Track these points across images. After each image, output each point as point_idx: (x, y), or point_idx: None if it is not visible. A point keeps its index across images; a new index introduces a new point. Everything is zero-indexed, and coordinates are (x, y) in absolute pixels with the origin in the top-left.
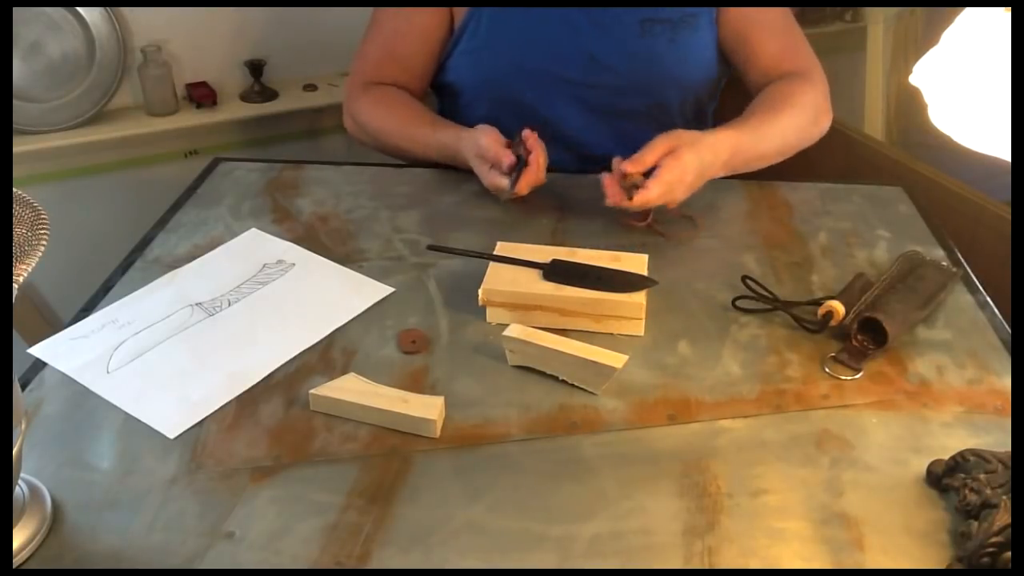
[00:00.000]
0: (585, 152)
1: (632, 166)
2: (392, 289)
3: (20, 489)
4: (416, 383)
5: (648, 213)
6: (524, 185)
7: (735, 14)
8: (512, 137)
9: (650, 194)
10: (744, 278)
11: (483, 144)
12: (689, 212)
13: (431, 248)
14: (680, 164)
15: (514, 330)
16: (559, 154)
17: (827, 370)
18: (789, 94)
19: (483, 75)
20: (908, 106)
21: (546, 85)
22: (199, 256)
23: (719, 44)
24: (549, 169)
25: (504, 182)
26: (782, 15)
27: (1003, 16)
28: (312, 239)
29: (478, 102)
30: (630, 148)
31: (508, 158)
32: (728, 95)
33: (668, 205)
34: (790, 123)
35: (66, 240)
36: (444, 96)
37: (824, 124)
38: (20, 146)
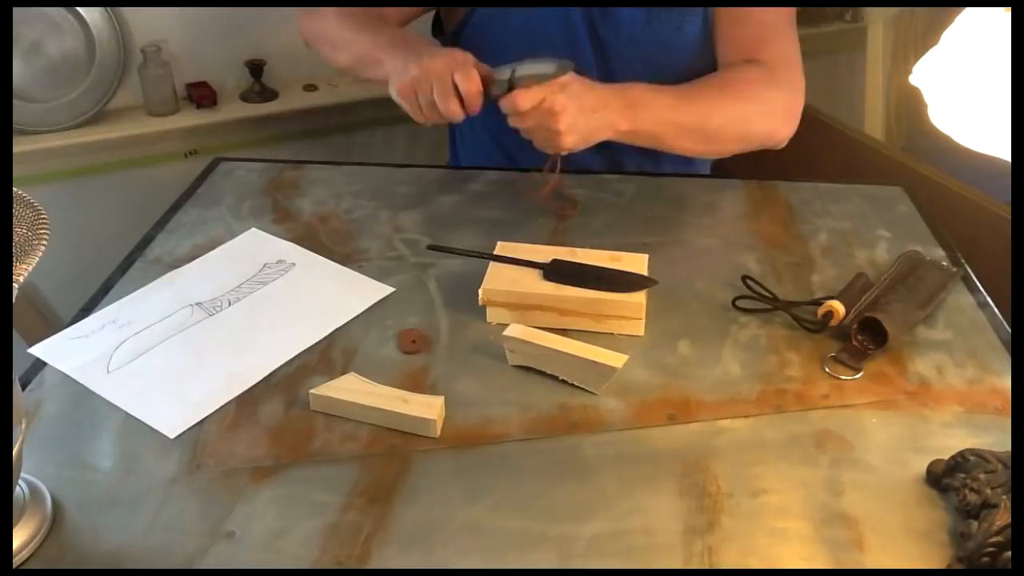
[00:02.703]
0: None
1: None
2: (392, 289)
3: (20, 489)
4: (416, 383)
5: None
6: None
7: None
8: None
9: (518, 97)
10: (744, 278)
11: (471, 60)
12: (570, 193)
13: (431, 248)
14: (558, 82)
15: (514, 330)
16: None
17: (827, 370)
18: (734, 78)
19: (492, 47)
20: (908, 106)
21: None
22: (199, 256)
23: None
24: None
25: (458, 111)
26: (776, 15)
27: (1003, 16)
28: (312, 239)
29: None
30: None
31: (476, 89)
32: None
33: (546, 125)
34: (721, 103)
35: (66, 240)
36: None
37: (779, 131)
38: (20, 146)
